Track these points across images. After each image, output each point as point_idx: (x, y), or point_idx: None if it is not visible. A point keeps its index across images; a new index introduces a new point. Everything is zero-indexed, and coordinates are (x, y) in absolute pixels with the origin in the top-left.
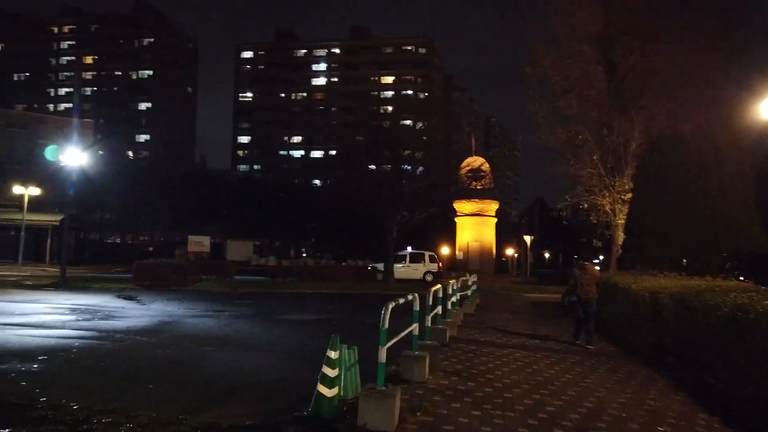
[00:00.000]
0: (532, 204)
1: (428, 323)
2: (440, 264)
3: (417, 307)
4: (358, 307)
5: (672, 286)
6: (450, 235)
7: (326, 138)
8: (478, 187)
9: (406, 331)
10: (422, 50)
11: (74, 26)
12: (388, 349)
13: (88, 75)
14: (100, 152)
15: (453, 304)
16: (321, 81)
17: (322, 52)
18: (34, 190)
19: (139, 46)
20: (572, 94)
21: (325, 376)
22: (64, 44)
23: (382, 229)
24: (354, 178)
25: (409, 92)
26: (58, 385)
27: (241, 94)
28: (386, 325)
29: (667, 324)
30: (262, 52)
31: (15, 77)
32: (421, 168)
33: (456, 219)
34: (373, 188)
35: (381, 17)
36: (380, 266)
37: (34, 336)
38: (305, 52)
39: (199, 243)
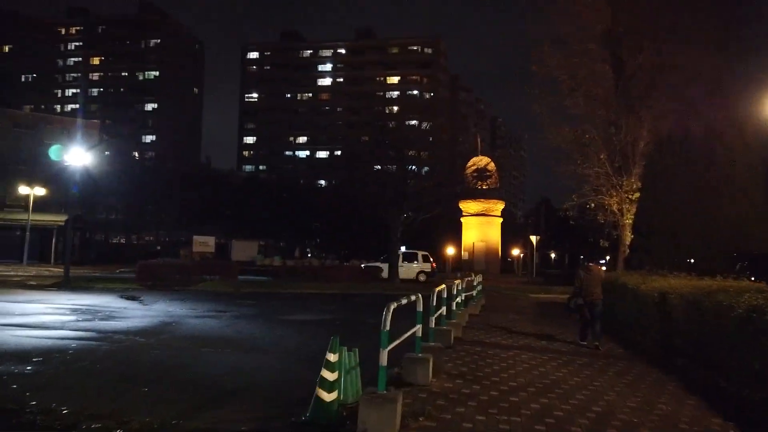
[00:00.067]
0: (538, 204)
1: (432, 324)
2: (434, 264)
3: (420, 308)
4: (361, 308)
5: (682, 286)
6: (455, 236)
7: (331, 138)
8: (484, 187)
9: (409, 333)
10: (428, 50)
11: (81, 27)
12: (391, 351)
13: (94, 76)
14: (106, 153)
15: (458, 304)
16: (326, 81)
17: (328, 53)
18: (40, 191)
19: (145, 47)
20: (579, 92)
21: (323, 380)
22: (71, 45)
23: (386, 230)
24: (359, 179)
25: (415, 92)
26: (51, 387)
27: (246, 95)
28: (387, 327)
29: (677, 325)
30: (268, 53)
31: (22, 78)
32: (426, 168)
33: (461, 219)
34: (378, 188)
35: (384, 18)
36: (382, 266)
37: (31, 337)
38: (311, 53)
39: (204, 243)
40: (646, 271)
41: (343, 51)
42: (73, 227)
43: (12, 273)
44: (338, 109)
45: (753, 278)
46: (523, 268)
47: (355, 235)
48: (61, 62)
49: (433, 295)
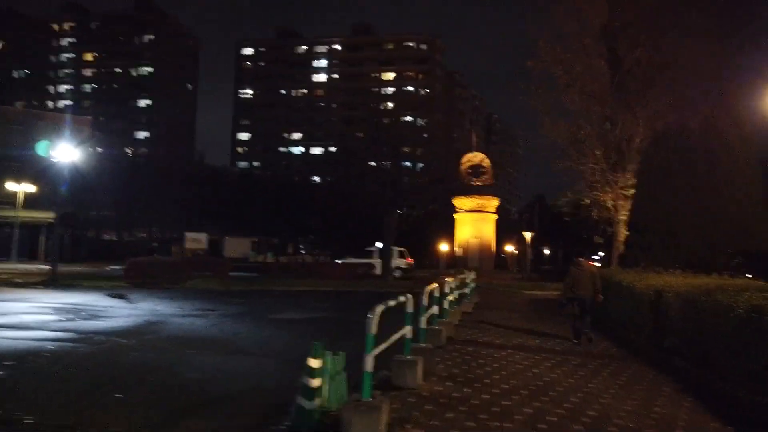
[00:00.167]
0: (533, 201)
1: (423, 324)
2: (410, 259)
3: (410, 308)
4: (353, 306)
5: (678, 284)
6: (450, 232)
7: (327, 135)
8: (478, 184)
9: (397, 335)
10: (424, 47)
11: (74, 23)
12: (383, 352)
13: (88, 72)
14: (99, 149)
15: (451, 302)
16: (322, 77)
17: (323, 49)
18: (29, 187)
19: (139, 43)
20: (575, 88)
21: (305, 387)
22: (65, 41)
23: (381, 226)
24: (354, 175)
25: (411, 89)
26: (19, 394)
27: (241, 91)
28: (373, 331)
29: (673, 324)
30: (263, 49)
31: (15, 74)
32: (421, 165)
33: (455, 215)
34: (373, 185)
35: (381, 17)
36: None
37: (7, 338)
38: (306, 49)
39: (196, 240)
40: (642, 269)
41: (338, 47)
42: (63, 224)
43: None
44: (333, 106)
45: (749, 276)
46: (518, 265)
47: (349, 232)
48: (54, 58)
49: (424, 293)
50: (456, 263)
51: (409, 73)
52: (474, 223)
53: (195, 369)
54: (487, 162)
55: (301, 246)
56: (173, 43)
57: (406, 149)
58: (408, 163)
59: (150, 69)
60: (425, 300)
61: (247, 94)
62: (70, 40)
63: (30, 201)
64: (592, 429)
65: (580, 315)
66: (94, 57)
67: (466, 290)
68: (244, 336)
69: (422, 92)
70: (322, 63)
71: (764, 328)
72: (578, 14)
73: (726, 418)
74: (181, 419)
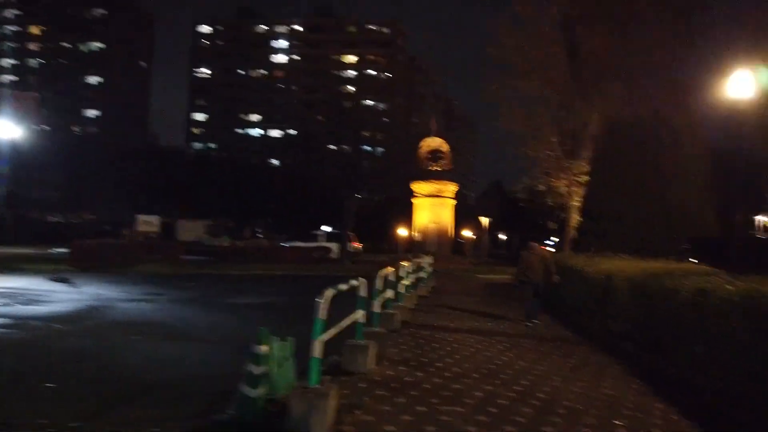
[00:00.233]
0: (490, 186)
1: (377, 308)
2: (357, 243)
3: (363, 292)
4: (309, 289)
5: (628, 268)
6: (409, 217)
7: (286, 117)
8: (437, 169)
9: (348, 319)
10: (386, 30)
11: None
12: (336, 337)
13: (34, 46)
14: (44, 127)
15: (407, 287)
16: (282, 59)
17: (284, 29)
18: None
19: (90, 17)
20: (533, 75)
21: (249, 374)
22: (9, 13)
23: (340, 211)
24: (314, 159)
25: (373, 72)
26: None
27: (197, 70)
28: (322, 315)
29: (623, 308)
30: (221, 28)
31: None
32: (381, 149)
33: (413, 200)
34: (333, 169)
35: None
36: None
37: None
38: (266, 29)
39: (149, 222)
40: (592, 253)
41: (299, 28)
42: (4, 204)
43: None
44: (293, 88)
45: (695, 261)
46: (474, 250)
47: (309, 216)
48: None
49: (379, 277)
50: (414, 248)
51: (371, 57)
52: (432, 208)
53: (137, 355)
54: (445, 147)
55: (258, 229)
56: (126, 18)
57: (366, 133)
58: (368, 148)
59: (101, 45)
60: (379, 284)
61: (204, 73)
62: (14, 12)
63: None
64: (541, 411)
65: (532, 297)
66: (42, 31)
67: (423, 274)
68: (193, 321)
69: (384, 76)
70: (283, 44)
71: (707, 310)
72: (537, 1)
73: (671, 400)
74: (115, 409)
